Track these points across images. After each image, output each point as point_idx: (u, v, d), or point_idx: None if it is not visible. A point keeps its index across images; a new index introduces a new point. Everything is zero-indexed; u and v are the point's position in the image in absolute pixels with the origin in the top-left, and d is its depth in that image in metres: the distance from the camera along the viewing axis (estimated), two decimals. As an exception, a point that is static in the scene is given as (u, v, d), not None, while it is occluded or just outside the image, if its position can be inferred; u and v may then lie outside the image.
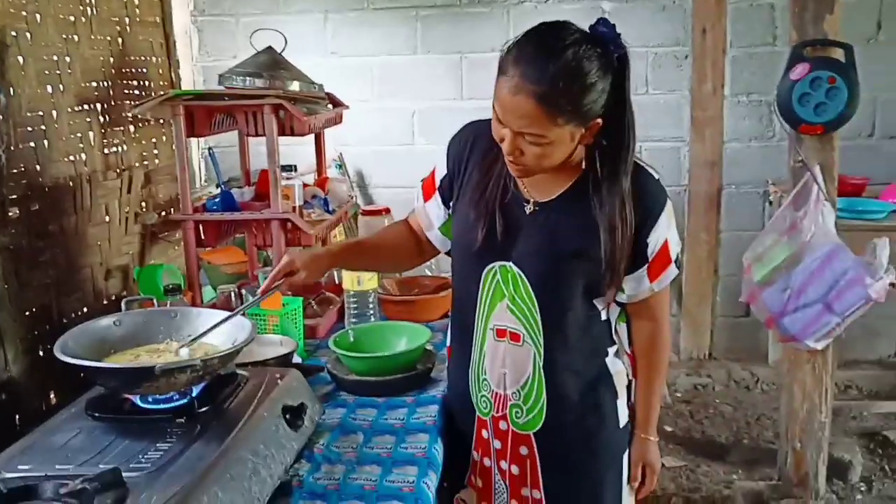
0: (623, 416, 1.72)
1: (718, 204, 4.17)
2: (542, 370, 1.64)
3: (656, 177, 1.59)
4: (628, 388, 1.74)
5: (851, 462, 3.22)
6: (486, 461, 1.77)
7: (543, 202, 1.60)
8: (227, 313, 1.67)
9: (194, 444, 1.38)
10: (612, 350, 1.69)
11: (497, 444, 1.73)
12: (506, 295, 1.63)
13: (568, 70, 1.40)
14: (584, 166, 1.57)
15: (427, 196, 1.78)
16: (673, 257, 1.61)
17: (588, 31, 1.46)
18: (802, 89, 2.55)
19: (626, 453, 1.75)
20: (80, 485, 1.19)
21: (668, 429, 3.82)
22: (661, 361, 1.73)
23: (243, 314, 1.67)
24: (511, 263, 1.61)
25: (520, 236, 1.61)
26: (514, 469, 1.72)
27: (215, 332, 1.64)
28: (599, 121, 1.47)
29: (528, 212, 1.61)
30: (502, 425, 1.71)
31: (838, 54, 2.58)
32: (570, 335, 1.63)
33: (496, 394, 1.70)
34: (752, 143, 4.13)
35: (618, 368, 1.71)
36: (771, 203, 3.99)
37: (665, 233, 1.58)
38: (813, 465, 2.91)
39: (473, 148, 1.68)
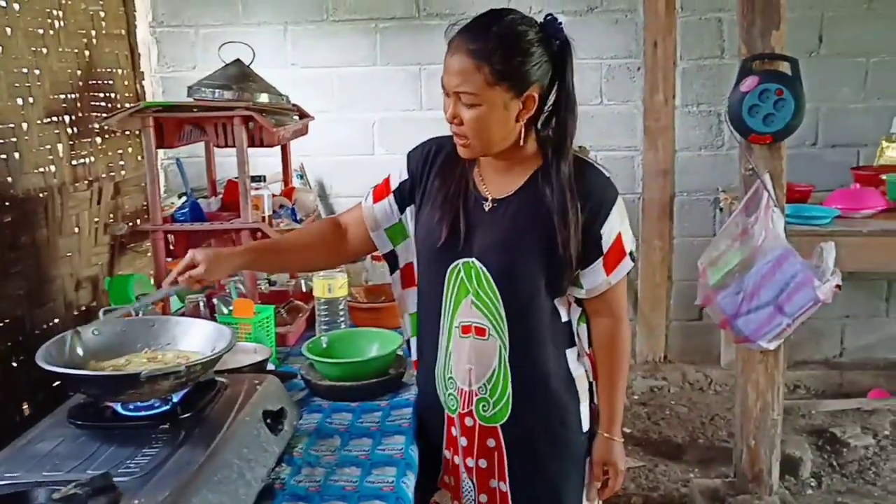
0: (585, 421, 1.78)
1: (671, 211, 4.29)
2: (507, 363, 1.69)
3: (606, 174, 1.68)
4: (590, 391, 1.79)
5: (802, 459, 3.34)
6: (456, 459, 1.81)
7: (501, 198, 1.68)
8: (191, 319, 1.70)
9: (180, 448, 1.41)
10: (571, 352, 1.75)
11: (463, 441, 1.78)
12: (470, 291, 1.69)
13: (503, 30, 1.54)
14: (539, 163, 1.66)
15: (377, 198, 1.83)
16: (627, 250, 1.68)
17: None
18: (752, 101, 2.67)
19: (589, 459, 1.80)
20: (73, 489, 1.22)
21: (627, 430, 3.91)
22: (623, 358, 1.76)
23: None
24: (473, 259, 1.68)
25: (480, 232, 1.68)
26: (482, 463, 1.76)
27: (194, 338, 1.68)
28: (535, 95, 1.57)
29: (486, 209, 1.69)
30: (468, 421, 1.76)
31: (785, 67, 2.71)
32: (533, 328, 1.69)
33: (462, 390, 1.75)
34: (702, 152, 4.27)
35: (579, 372, 1.76)
36: (721, 210, 4.13)
37: (618, 226, 1.65)
38: (767, 462, 3.02)
39: (435, 159, 1.76)
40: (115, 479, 1.27)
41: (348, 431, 1.80)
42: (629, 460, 3.59)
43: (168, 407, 1.54)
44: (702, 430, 3.93)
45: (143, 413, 1.54)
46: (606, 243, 1.65)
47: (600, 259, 1.65)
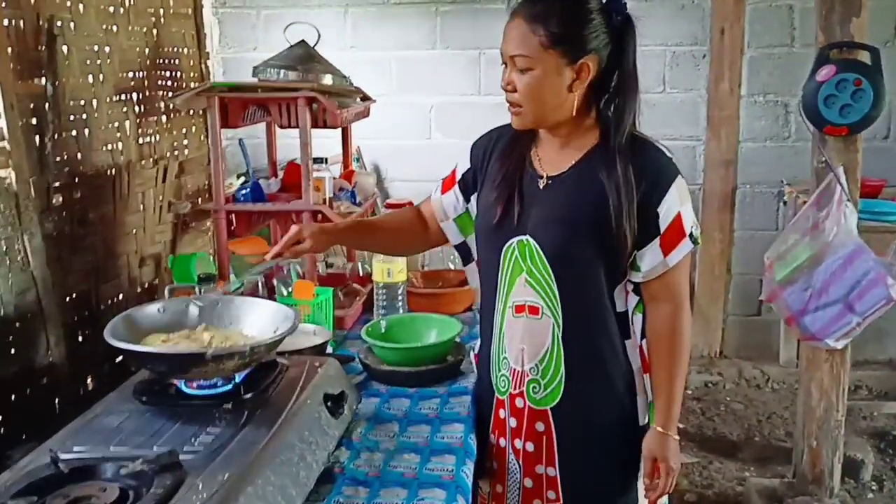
0: (642, 415, 1.73)
1: (732, 203, 4.19)
2: (560, 342, 1.66)
3: (668, 154, 1.65)
4: (644, 382, 1.73)
5: (864, 461, 3.25)
6: (502, 441, 1.79)
7: (555, 175, 1.67)
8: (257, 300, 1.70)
9: (244, 429, 1.41)
10: (629, 343, 1.71)
11: (513, 422, 1.75)
12: (524, 269, 1.67)
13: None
14: (596, 141, 1.64)
15: (445, 189, 1.86)
16: (687, 231, 1.61)
17: None
18: (828, 91, 2.58)
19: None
20: (140, 466, 1.23)
21: (680, 425, 3.79)
22: (683, 348, 1.66)
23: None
24: (527, 237, 1.66)
25: (534, 210, 1.66)
26: (529, 446, 1.73)
27: (257, 319, 1.68)
28: (590, 65, 1.56)
29: (541, 186, 1.67)
30: (518, 402, 1.73)
31: (864, 57, 2.61)
32: (588, 308, 1.66)
33: (514, 370, 1.72)
34: (767, 143, 4.15)
35: (637, 365, 1.72)
36: (786, 203, 4.02)
37: (677, 206, 1.60)
38: (828, 464, 2.94)
39: (496, 144, 1.77)
40: (180, 457, 1.28)
41: (406, 417, 1.79)
42: (682, 456, 3.51)
43: (231, 387, 1.55)
44: (758, 427, 3.85)
45: (206, 392, 1.55)
46: (664, 222, 1.60)
47: (657, 239, 1.60)
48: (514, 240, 1.68)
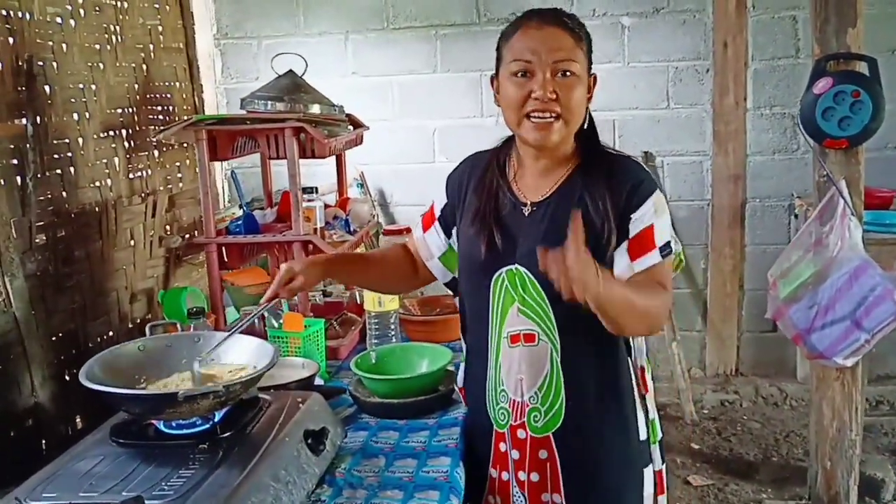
0: (643, 430, 1.71)
1: (742, 218, 4.13)
2: (559, 366, 1.64)
3: (645, 168, 1.66)
4: (643, 402, 1.72)
5: (884, 480, 3.15)
6: (504, 475, 1.75)
7: (539, 201, 1.65)
8: (243, 333, 1.68)
9: (217, 470, 1.38)
10: (629, 358, 1.68)
11: (515, 454, 1.72)
12: (515, 298, 1.65)
13: (575, 17, 1.61)
14: (575, 162, 1.65)
15: (426, 227, 1.84)
16: (658, 244, 1.58)
17: None
18: (826, 103, 2.53)
19: (649, 468, 1.72)
20: (103, 513, 1.21)
21: (695, 446, 3.78)
22: (649, 302, 1.53)
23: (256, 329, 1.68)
24: (516, 265, 1.64)
25: (521, 238, 1.64)
26: (534, 476, 1.70)
27: (239, 353, 1.66)
28: (595, 78, 1.63)
29: (526, 213, 1.66)
30: (520, 434, 1.70)
31: (862, 67, 2.56)
32: (584, 330, 1.61)
33: (514, 402, 1.69)
34: (776, 157, 4.09)
35: (635, 381, 1.70)
36: (796, 216, 3.95)
37: (651, 217, 1.59)
38: (843, 485, 2.86)
39: (471, 176, 1.76)
40: (148, 502, 1.25)
41: (394, 451, 1.75)
42: (697, 478, 3.46)
43: (209, 426, 1.52)
44: (776, 447, 3.76)
45: (184, 431, 1.53)
46: (634, 228, 1.59)
47: (625, 242, 1.59)
48: (503, 270, 1.65)
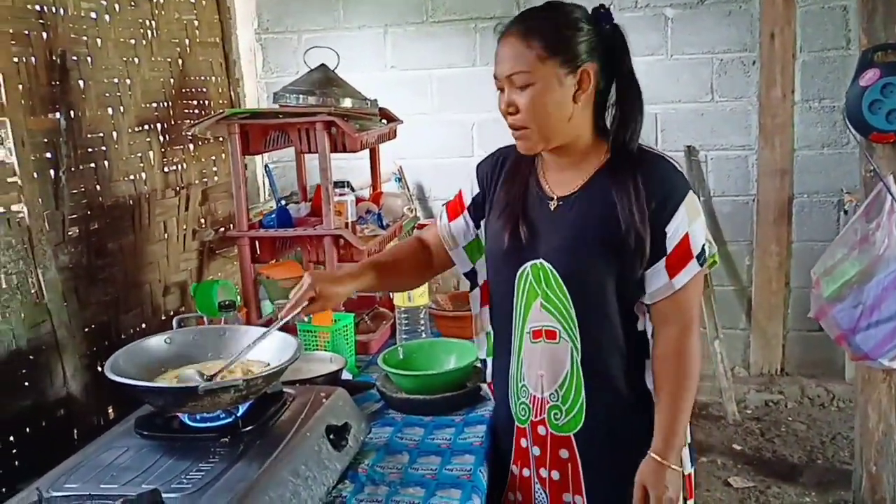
0: None
1: (789, 214, 4.02)
2: (579, 366, 1.61)
3: (678, 168, 1.58)
4: None
5: (933, 486, 3.04)
6: (525, 472, 1.73)
7: (565, 196, 1.62)
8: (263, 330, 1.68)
9: (236, 464, 1.39)
10: (648, 364, 1.63)
11: (536, 450, 1.70)
12: (539, 293, 1.62)
13: (550, 10, 1.54)
14: (604, 158, 1.59)
15: (452, 216, 1.80)
16: (695, 252, 1.54)
17: None
18: (873, 96, 2.44)
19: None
20: (119, 505, 1.21)
21: (737, 447, 3.69)
22: (689, 373, 1.58)
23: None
24: (541, 260, 1.61)
25: (546, 233, 1.61)
26: (555, 475, 1.68)
27: (263, 349, 1.65)
28: (590, 72, 1.51)
29: (552, 208, 1.62)
30: (541, 430, 1.68)
31: (911, 59, 2.46)
32: (605, 331, 1.60)
33: (534, 398, 1.67)
34: (824, 151, 3.97)
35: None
36: (846, 212, 3.82)
37: (685, 226, 1.53)
38: (889, 490, 2.76)
39: (502, 168, 1.73)
40: (166, 495, 1.26)
41: (418, 448, 1.74)
42: (738, 480, 3.38)
43: (231, 419, 1.53)
44: (821, 449, 3.66)
45: (207, 424, 1.53)
46: (671, 243, 1.54)
47: (663, 260, 1.54)
48: (528, 264, 1.63)
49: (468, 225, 1.77)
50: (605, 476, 1.65)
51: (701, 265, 1.55)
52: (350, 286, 1.68)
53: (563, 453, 1.66)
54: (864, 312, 2.48)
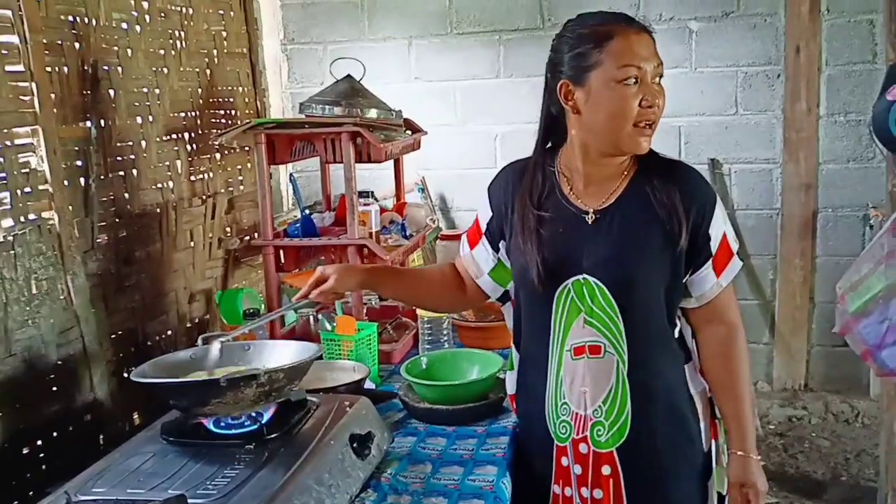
0: (706, 440, 1.67)
1: (814, 229, 3.98)
2: (626, 378, 1.60)
3: (701, 173, 1.64)
4: (711, 407, 1.68)
5: (959, 505, 3.00)
6: (567, 491, 1.70)
7: (602, 208, 1.61)
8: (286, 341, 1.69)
9: (261, 471, 1.40)
10: (689, 367, 1.66)
11: (577, 469, 1.67)
12: (582, 310, 1.61)
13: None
14: (631, 168, 1.61)
15: (473, 243, 1.79)
16: (734, 249, 1.62)
17: None
18: (900, 110, 2.42)
19: (711, 481, 1.67)
20: (145, 511, 1.23)
21: (761, 463, 3.65)
22: (744, 367, 1.64)
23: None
24: (584, 276, 1.59)
25: (587, 247, 1.60)
26: (598, 493, 1.65)
27: (283, 355, 1.66)
28: None
29: (589, 221, 1.61)
30: (582, 448, 1.66)
31: (939, 73, 2.45)
32: (652, 340, 1.61)
33: (576, 415, 1.65)
34: (850, 165, 3.94)
35: (699, 388, 1.66)
36: (871, 227, 3.79)
37: (722, 225, 1.60)
38: (915, 508, 2.73)
39: (515, 187, 1.69)
40: (191, 501, 1.27)
41: (441, 458, 1.74)
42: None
43: (256, 426, 1.54)
44: (845, 466, 3.61)
45: (232, 431, 1.55)
46: (715, 244, 1.59)
47: (710, 262, 1.59)
48: (569, 281, 1.61)
49: (487, 251, 1.76)
50: (647, 490, 1.64)
51: (741, 260, 1.62)
52: (360, 277, 1.74)
53: (606, 470, 1.64)
54: (890, 328, 2.46)
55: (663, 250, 1.56)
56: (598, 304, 1.59)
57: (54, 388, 1.76)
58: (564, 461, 1.70)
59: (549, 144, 1.70)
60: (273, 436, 1.51)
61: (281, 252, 2.41)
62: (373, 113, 2.37)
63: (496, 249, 1.75)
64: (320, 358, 1.66)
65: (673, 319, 1.64)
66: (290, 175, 2.84)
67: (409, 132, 2.64)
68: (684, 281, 1.61)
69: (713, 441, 1.68)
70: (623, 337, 1.59)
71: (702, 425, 1.66)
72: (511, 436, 1.82)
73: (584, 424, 1.64)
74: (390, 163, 2.69)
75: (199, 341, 1.74)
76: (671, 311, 1.63)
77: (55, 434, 1.77)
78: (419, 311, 2.25)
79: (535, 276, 1.62)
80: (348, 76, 2.49)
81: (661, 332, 1.62)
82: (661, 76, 1.54)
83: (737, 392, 1.62)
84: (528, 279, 1.65)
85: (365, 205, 2.41)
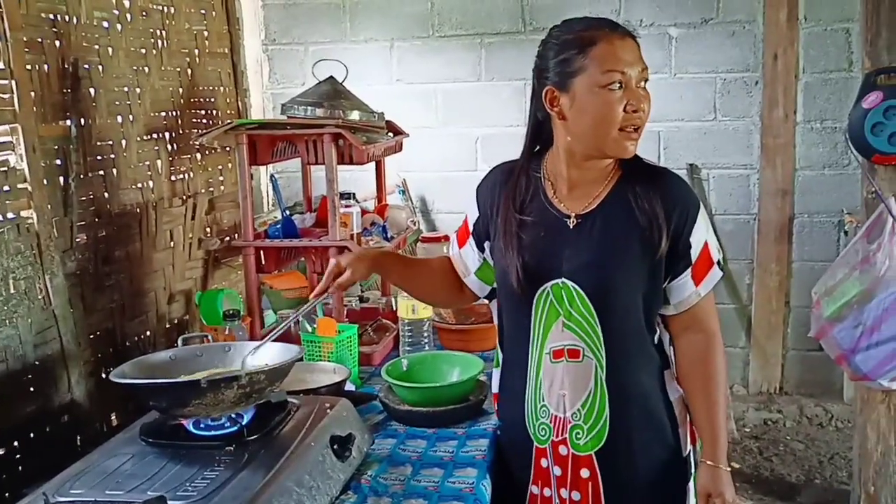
0: (686, 446, 1.68)
1: (790, 233, 4.03)
2: (604, 383, 1.61)
3: (687, 182, 1.67)
4: (689, 413, 1.68)
5: (930, 507, 3.04)
6: (547, 491, 1.72)
7: (585, 213, 1.62)
8: (279, 341, 1.69)
9: (241, 472, 1.39)
10: (668, 373, 1.66)
11: (557, 470, 1.69)
12: (560, 313, 1.62)
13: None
14: (615, 173, 1.62)
15: (461, 243, 1.81)
16: (715, 259, 1.61)
17: None
18: (875, 118, 2.46)
19: (691, 485, 1.68)
20: (124, 512, 1.22)
21: (736, 465, 3.69)
22: (720, 376, 1.62)
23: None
24: (563, 280, 1.60)
25: (567, 251, 1.61)
26: (576, 495, 1.67)
27: (264, 357, 1.66)
28: None
29: (571, 226, 1.62)
30: (562, 450, 1.67)
31: (915, 82, 2.49)
32: (630, 345, 1.62)
33: (555, 417, 1.66)
34: (825, 171, 3.99)
35: (676, 395, 1.67)
36: (846, 233, 3.84)
37: (704, 234, 1.60)
38: (888, 511, 2.77)
39: (502, 188, 1.71)
40: (171, 503, 1.27)
41: (420, 460, 1.74)
42: (736, 498, 3.38)
43: (236, 428, 1.53)
44: (819, 469, 3.66)
45: (212, 433, 1.54)
46: (695, 252, 1.59)
47: (689, 269, 1.59)
48: (549, 284, 1.62)
49: (474, 250, 1.78)
50: (625, 493, 1.65)
51: (722, 271, 1.61)
52: (374, 262, 1.75)
53: (584, 473, 1.66)
54: (864, 333, 2.49)
55: (642, 257, 1.57)
56: (577, 309, 1.60)
57: (31, 389, 1.75)
58: (544, 462, 1.71)
59: (538, 148, 1.71)
60: (253, 437, 1.51)
61: (261, 253, 2.40)
62: (355, 115, 2.37)
63: (482, 250, 1.77)
64: (301, 360, 1.65)
65: (652, 326, 1.64)
66: (272, 176, 2.84)
67: (391, 134, 2.64)
68: (663, 287, 1.61)
69: (692, 446, 1.70)
70: (601, 342, 1.60)
71: (681, 431, 1.67)
72: (491, 438, 1.83)
73: (564, 427, 1.66)
74: (371, 164, 2.68)
75: (179, 342, 1.74)
76: (650, 317, 1.63)
77: (32, 435, 1.75)
78: (399, 314, 2.25)
79: (515, 280, 1.63)
80: (331, 78, 2.49)
81: (639, 338, 1.63)
82: (646, 80, 1.55)
83: (711, 401, 1.61)
84: (508, 282, 1.66)
85: (346, 206, 2.41)
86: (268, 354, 1.66)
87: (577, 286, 1.59)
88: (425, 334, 2.24)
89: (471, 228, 1.78)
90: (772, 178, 3.98)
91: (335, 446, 1.58)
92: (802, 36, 3.87)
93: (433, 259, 1.95)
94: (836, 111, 3.88)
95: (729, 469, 1.62)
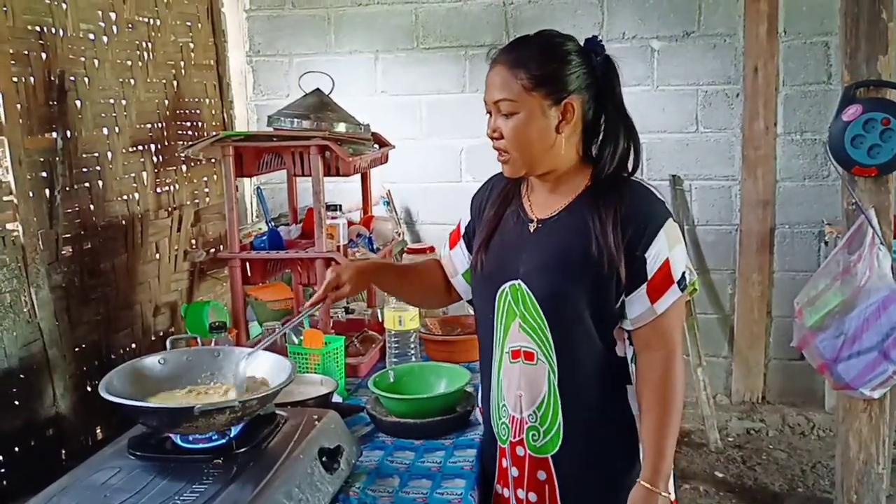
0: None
1: (771, 244, 4.07)
2: (556, 388, 1.61)
3: (658, 196, 1.61)
4: None
5: (912, 515, 3.08)
6: (506, 492, 1.73)
7: (545, 219, 1.64)
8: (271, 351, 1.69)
9: (229, 486, 1.39)
10: (630, 389, 1.64)
11: (514, 471, 1.70)
12: (517, 314, 1.63)
13: (540, 40, 1.58)
14: (587, 184, 1.62)
15: (452, 244, 1.86)
16: (676, 278, 1.56)
17: None
18: (855, 131, 2.50)
19: None
20: (113, 527, 1.21)
21: (719, 475, 3.71)
22: (675, 397, 1.58)
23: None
24: (519, 281, 1.63)
25: (525, 254, 1.64)
26: (532, 496, 1.67)
27: (256, 366, 1.66)
28: (574, 105, 1.55)
29: (531, 230, 1.65)
30: (519, 451, 1.68)
31: (892, 95, 2.53)
32: (582, 355, 1.60)
33: (513, 417, 1.68)
34: (806, 183, 4.04)
35: (639, 412, 1.64)
36: (827, 244, 3.89)
37: (665, 251, 1.55)
38: (870, 519, 2.79)
39: (491, 193, 1.77)
40: (159, 517, 1.26)
41: (409, 471, 1.74)
42: (721, 507, 3.40)
43: (224, 441, 1.53)
44: (802, 478, 3.68)
45: (200, 446, 1.53)
46: (652, 268, 1.55)
47: (644, 286, 1.56)
48: (507, 285, 1.65)
49: (464, 253, 1.82)
50: (581, 500, 1.65)
51: (682, 290, 1.57)
52: (371, 274, 1.80)
53: (541, 475, 1.66)
54: (845, 342, 2.52)
55: (583, 269, 1.56)
56: (530, 312, 1.62)
57: (16, 402, 1.73)
58: (504, 462, 1.72)
59: None
60: (242, 450, 1.50)
61: (247, 265, 2.40)
62: (342, 127, 2.38)
63: (471, 251, 1.79)
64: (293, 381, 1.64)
65: (607, 338, 1.62)
66: (258, 188, 2.84)
67: (377, 146, 2.65)
68: (622, 300, 1.58)
69: None
70: (552, 348, 1.60)
71: (641, 448, 1.62)
72: (479, 448, 1.84)
73: (521, 428, 1.67)
74: (356, 176, 2.69)
75: (168, 344, 1.73)
76: (602, 329, 1.61)
77: (16, 449, 1.74)
78: (386, 325, 2.25)
79: (479, 277, 1.71)
80: (317, 90, 2.50)
81: (591, 349, 1.61)
82: (501, 109, 1.55)
83: (662, 423, 1.57)
84: (478, 276, 1.72)
85: (332, 218, 2.41)
86: (259, 365, 1.65)
87: (529, 289, 1.61)
88: (412, 345, 2.24)
89: (462, 231, 1.83)
90: (753, 190, 4.02)
91: (324, 459, 1.58)
92: (782, 49, 3.92)
93: (421, 264, 1.99)
94: (816, 123, 3.94)
95: (668, 496, 1.57)
